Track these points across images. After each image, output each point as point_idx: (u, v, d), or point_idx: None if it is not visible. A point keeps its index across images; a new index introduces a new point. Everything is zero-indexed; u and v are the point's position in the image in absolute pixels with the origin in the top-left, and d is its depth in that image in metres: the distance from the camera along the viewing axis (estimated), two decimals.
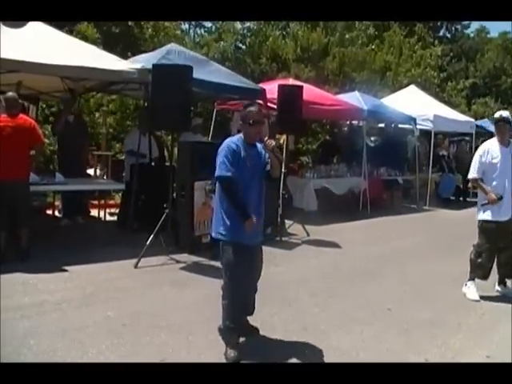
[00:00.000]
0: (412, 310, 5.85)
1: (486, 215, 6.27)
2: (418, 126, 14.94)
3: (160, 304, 5.60)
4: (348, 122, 15.37)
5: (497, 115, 6.40)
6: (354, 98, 13.53)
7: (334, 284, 6.77)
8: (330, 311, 5.71)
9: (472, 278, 6.43)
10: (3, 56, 6.80)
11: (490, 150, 6.23)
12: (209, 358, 4.35)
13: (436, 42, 27.23)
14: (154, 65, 7.67)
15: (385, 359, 4.50)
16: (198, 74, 7.80)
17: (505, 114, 6.37)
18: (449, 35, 35.64)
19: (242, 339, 4.62)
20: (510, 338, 4.99)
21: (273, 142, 4.53)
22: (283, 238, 9.14)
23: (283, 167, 9.69)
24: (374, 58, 22.78)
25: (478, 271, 6.38)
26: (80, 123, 9.61)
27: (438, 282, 6.96)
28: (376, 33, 24.61)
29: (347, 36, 22.41)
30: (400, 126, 15.52)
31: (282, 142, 10.66)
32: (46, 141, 11.15)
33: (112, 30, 17.60)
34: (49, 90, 10.27)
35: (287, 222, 9.71)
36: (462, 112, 19.74)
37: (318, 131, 18.39)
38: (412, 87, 17.74)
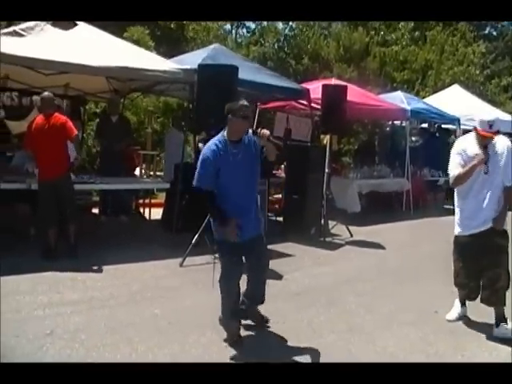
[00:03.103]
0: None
1: (457, 229, 5.75)
2: (461, 126, 14.71)
3: (205, 303, 5.61)
4: (390, 123, 15.23)
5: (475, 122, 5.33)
6: (397, 98, 13.42)
7: (378, 285, 6.72)
8: (375, 312, 5.66)
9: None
10: (51, 58, 6.96)
11: (467, 149, 5.34)
12: (253, 356, 4.38)
13: (481, 40, 26.61)
14: (199, 65, 7.59)
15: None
16: (241, 74, 7.78)
17: (477, 118, 5.28)
18: (495, 33, 34.76)
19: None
20: None
21: (267, 132, 4.55)
22: (327, 239, 9.14)
23: (326, 168, 9.69)
24: (415, 57, 22.46)
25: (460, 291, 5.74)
26: (123, 123, 9.65)
27: None
28: (418, 33, 24.27)
29: (391, 36, 22.19)
30: (443, 126, 15.30)
31: (325, 142, 10.60)
32: (90, 142, 11.37)
33: (155, 31, 17.83)
34: (95, 91, 10.43)
35: (330, 223, 9.69)
36: (509, 111, 19.27)
37: (360, 131, 18.24)
38: (455, 86, 17.50)
